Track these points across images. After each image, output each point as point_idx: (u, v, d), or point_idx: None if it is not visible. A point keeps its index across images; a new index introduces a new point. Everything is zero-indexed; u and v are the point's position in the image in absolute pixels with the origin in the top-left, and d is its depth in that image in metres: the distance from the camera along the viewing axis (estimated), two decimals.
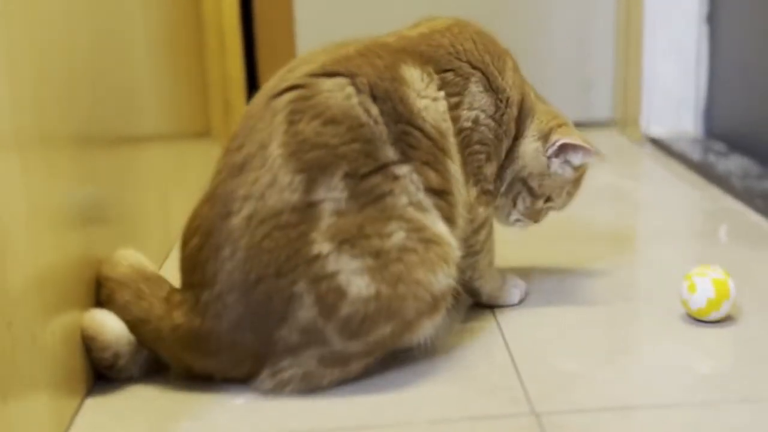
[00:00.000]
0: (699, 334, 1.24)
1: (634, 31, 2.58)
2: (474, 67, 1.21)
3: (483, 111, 1.22)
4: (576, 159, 1.29)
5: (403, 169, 1.10)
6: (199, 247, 1.08)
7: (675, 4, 2.45)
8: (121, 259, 1.15)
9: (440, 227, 1.12)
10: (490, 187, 1.26)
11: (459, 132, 1.19)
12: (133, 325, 1.10)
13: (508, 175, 1.29)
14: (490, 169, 1.25)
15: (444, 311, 1.13)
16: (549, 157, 1.28)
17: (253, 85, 2.70)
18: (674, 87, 2.49)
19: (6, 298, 0.87)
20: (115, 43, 1.37)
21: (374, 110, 1.09)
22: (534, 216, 1.34)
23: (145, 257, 1.20)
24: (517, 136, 1.27)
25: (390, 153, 1.09)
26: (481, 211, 1.25)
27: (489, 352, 1.20)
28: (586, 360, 1.17)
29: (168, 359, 1.11)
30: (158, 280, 1.13)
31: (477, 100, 1.21)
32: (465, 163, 1.21)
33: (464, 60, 1.20)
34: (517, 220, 1.34)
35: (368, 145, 1.08)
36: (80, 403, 1.07)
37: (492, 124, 1.23)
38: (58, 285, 1.03)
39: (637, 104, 2.57)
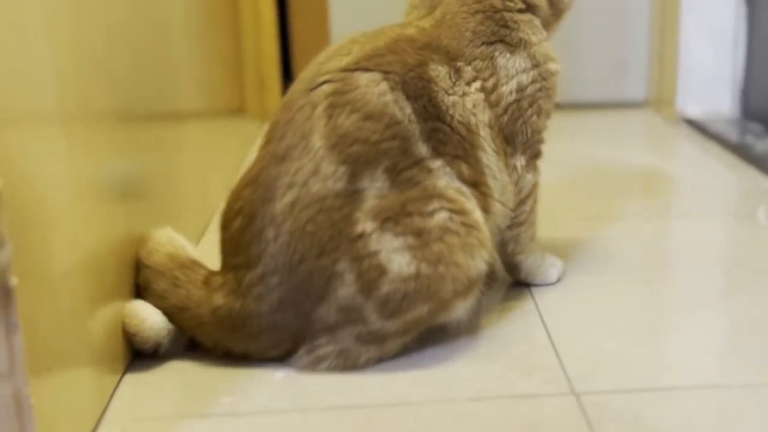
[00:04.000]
0: (739, 314, 1.23)
1: (670, 10, 2.56)
2: (490, 44, 1.20)
3: (522, 72, 1.22)
4: None
5: (436, 164, 1.11)
6: (242, 229, 1.09)
7: None
8: (157, 246, 1.16)
9: (479, 214, 1.13)
10: (542, 143, 1.27)
11: (506, 109, 1.20)
12: (171, 313, 1.11)
13: None
14: (543, 119, 1.25)
15: (477, 293, 1.13)
16: None
17: (287, 62, 2.70)
18: (711, 67, 2.47)
19: (52, 275, 0.88)
20: (153, 19, 1.37)
21: (408, 109, 1.10)
22: None
23: (180, 236, 1.21)
24: None
25: (423, 150, 1.10)
26: (530, 177, 1.26)
27: (527, 330, 1.19)
28: (625, 339, 1.16)
29: (207, 344, 1.12)
30: (193, 265, 1.14)
31: (510, 67, 1.21)
32: (516, 134, 1.21)
33: (479, 44, 1.20)
34: None
35: (405, 142, 1.09)
36: (120, 377, 1.08)
37: (535, 73, 1.23)
38: (100, 263, 1.03)
39: (672, 84, 2.55)
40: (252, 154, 2.15)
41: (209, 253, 1.18)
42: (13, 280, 0.76)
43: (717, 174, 2.02)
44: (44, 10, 0.90)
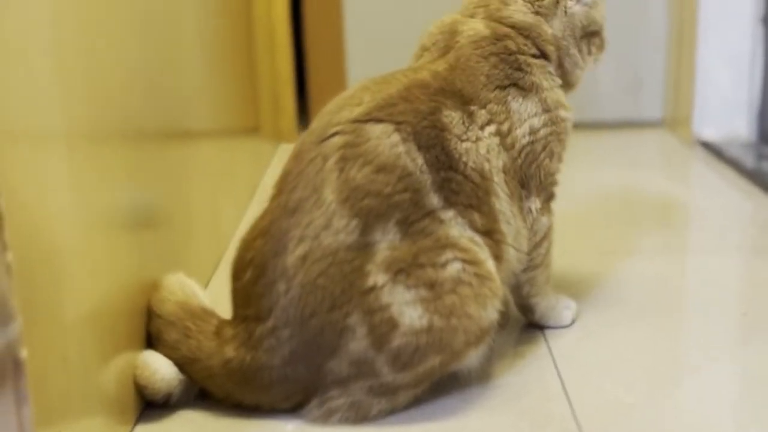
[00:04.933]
0: (755, 360, 1.22)
1: (687, 31, 2.54)
2: (503, 88, 1.20)
3: (534, 116, 1.21)
4: None
5: (447, 214, 1.10)
6: (253, 281, 1.08)
7: (730, 4, 2.42)
8: (168, 295, 1.16)
9: (491, 264, 1.12)
10: (555, 186, 1.27)
11: (520, 153, 1.19)
12: (182, 363, 1.11)
13: (575, 52, 1.29)
14: (556, 162, 1.25)
15: (489, 342, 1.13)
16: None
17: (301, 80, 2.69)
18: (727, 90, 2.46)
19: (62, 331, 0.87)
20: (165, 39, 1.36)
21: (420, 160, 1.09)
22: (604, 45, 1.34)
23: (192, 282, 1.20)
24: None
25: (435, 200, 1.09)
26: (545, 221, 1.26)
27: (540, 378, 1.19)
28: (640, 389, 1.15)
29: (218, 395, 1.11)
30: (205, 315, 1.14)
31: (522, 111, 1.20)
32: (531, 177, 1.21)
33: (493, 88, 1.19)
34: (596, 60, 1.34)
35: (416, 194, 1.08)
36: (132, 428, 1.08)
37: (546, 117, 1.22)
38: (110, 312, 1.03)
39: (688, 105, 2.54)
40: (266, 178, 2.16)
41: (223, 290, 1.17)
42: (24, 353, 0.76)
43: (732, 202, 2.01)
44: (50, 26, 0.88)
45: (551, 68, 1.25)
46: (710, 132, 2.48)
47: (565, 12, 1.27)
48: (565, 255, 1.50)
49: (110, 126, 1.06)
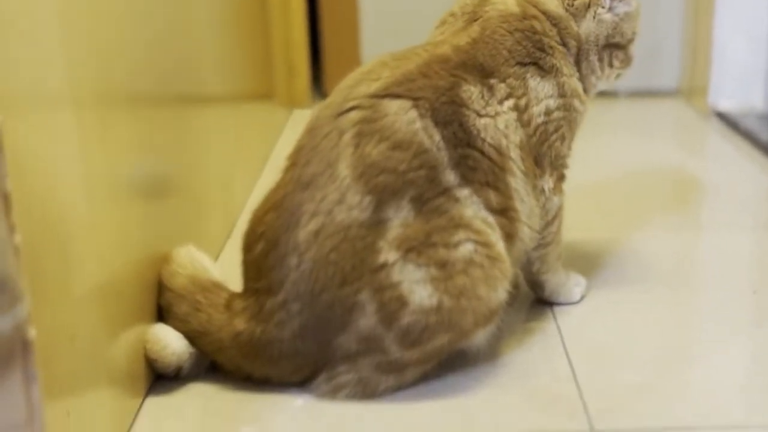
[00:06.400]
0: (766, 341, 1.22)
1: (704, 1, 2.52)
2: (523, 65, 1.20)
3: (550, 97, 1.21)
4: None
5: (463, 192, 1.10)
6: (265, 254, 1.09)
7: None
8: (178, 268, 1.16)
9: (502, 245, 1.12)
10: (566, 168, 1.27)
11: (535, 131, 1.19)
12: (192, 336, 1.11)
13: (594, 59, 1.28)
14: (566, 147, 1.25)
15: (497, 321, 1.13)
16: (611, 8, 1.27)
17: (315, 46, 2.68)
18: (744, 59, 2.44)
19: (71, 307, 0.88)
20: (176, 3, 1.35)
21: (437, 136, 1.09)
22: (629, 62, 1.32)
23: (202, 255, 1.21)
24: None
25: (451, 177, 1.09)
26: (556, 200, 1.26)
27: (548, 358, 1.19)
28: (648, 370, 1.15)
29: (228, 368, 1.12)
30: (215, 288, 1.14)
31: (540, 90, 1.20)
32: (543, 156, 1.21)
33: (513, 64, 1.19)
34: (618, 76, 1.33)
35: (432, 171, 1.08)
36: (141, 402, 1.08)
37: (561, 101, 1.22)
38: (121, 286, 1.03)
39: (705, 76, 2.52)
40: (280, 144, 2.15)
41: (235, 260, 1.17)
42: (32, 333, 0.76)
43: (747, 176, 1.99)
44: None
45: (571, 60, 1.25)
46: (726, 103, 2.46)
47: (594, 17, 1.26)
48: (576, 229, 1.50)
49: (119, 93, 1.05)
